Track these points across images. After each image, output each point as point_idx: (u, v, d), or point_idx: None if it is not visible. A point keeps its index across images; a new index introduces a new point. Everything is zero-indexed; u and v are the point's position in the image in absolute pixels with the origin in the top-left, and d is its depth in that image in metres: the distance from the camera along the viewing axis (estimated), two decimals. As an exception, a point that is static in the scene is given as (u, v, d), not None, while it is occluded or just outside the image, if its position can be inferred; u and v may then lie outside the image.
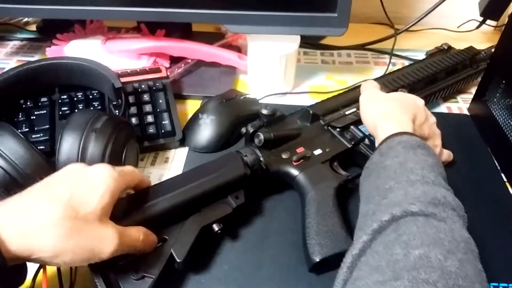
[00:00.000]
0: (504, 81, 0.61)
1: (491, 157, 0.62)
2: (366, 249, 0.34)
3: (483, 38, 0.93)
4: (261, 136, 0.51)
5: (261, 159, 0.51)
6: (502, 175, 0.59)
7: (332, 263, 0.44)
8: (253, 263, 0.47)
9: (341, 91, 0.65)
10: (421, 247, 0.31)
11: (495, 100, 0.64)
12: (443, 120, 0.69)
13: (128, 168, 0.43)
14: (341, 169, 0.54)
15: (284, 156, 0.52)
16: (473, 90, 0.71)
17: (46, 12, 0.67)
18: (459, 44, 0.77)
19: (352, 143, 0.55)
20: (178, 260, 0.42)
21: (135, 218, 0.41)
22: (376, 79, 0.63)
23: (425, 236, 0.32)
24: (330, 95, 0.63)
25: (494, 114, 0.63)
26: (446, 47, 0.74)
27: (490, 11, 0.76)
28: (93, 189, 0.36)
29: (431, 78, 0.67)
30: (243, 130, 0.54)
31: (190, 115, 0.65)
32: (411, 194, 0.37)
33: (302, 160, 0.52)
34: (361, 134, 0.55)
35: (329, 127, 0.57)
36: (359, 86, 0.61)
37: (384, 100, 0.52)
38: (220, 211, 0.46)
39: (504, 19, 0.84)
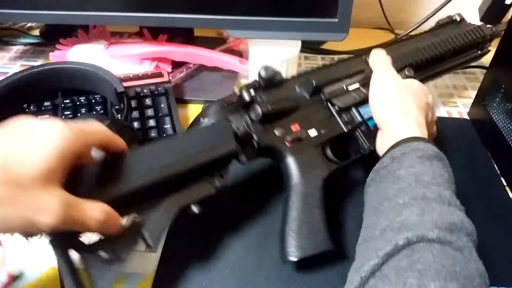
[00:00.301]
0: (503, 86, 0.61)
1: (491, 161, 0.62)
2: (375, 272, 0.32)
3: (483, 43, 0.93)
4: (259, 110, 0.46)
5: (254, 136, 0.46)
6: (502, 179, 0.59)
7: (310, 261, 0.43)
8: (254, 265, 0.47)
9: (345, 57, 0.57)
10: (437, 279, 0.30)
11: (495, 104, 0.64)
12: (443, 124, 0.69)
13: (94, 125, 0.37)
14: (331, 154, 0.51)
15: (277, 133, 0.47)
16: (473, 94, 0.71)
17: (50, 17, 0.67)
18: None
19: (349, 127, 0.51)
20: (151, 245, 0.38)
21: (104, 193, 0.36)
22: (384, 48, 0.57)
23: (440, 267, 0.31)
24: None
25: (494, 118, 0.63)
26: (458, 19, 0.66)
27: (489, 17, 0.77)
28: (36, 148, 0.30)
29: (439, 57, 0.62)
30: (236, 90, 0.48)
31: (191, 119, 0.65)
32: (427, 216, 0.35)
33: (295, 142, 0.48)
34: (360, 119, 0.51)
35: (328, 103, 0.51)
36: (365, 53, 0.56)
37: (400, 90, 0.48)
38: (202, 191, 0.42)
39: (504, 24, 0.85)
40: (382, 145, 0.47)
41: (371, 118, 0.51)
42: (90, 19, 0.68)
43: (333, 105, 0.51)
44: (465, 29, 0.65)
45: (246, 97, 0.47)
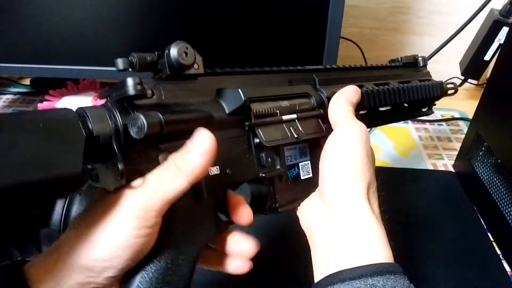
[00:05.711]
0: (486, 140, 0.62)
1: (477, 215, 0.62)
2: None
3: (466, 95, 0.96)
4: (142, 123, 0.26)
5: (118, 156, 0.26)
6: (489, 234, 0.58)
7: None
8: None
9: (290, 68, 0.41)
10: None
11: (479, 158, 0.64)
12: (429, 177, 0.70)
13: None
14: (227, 205, 0.36)
15: (161, 160, 0.29)
16: (458, 145, 0.72)
17: (40, 71, 0.68)
18: (444, 102, 0.78)
19: (264, 173, 0.36)
20: None
21: None
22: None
23: None
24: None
25: (478, 172, 0.63)
26: (422, 64, 0.56)
27: (470, 72, 0.79)
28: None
29: (396, 105, 0.51)
30: (119, 63, 0.29)
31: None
32: None
33: None
34: (280, 167, 0.37)
35: (250, 132, 0.35)
36: (315, 70, 0.42)
37: (366, 164, 0.35)
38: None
39: (485, 78, 0.87)
40: (321, 222, 0.35)
41: (294, 165, 0.39)
42: (80, 73, 0.69)
43: (254, 136, 0.36)
44: (427, 81, 0.55)
45: (131, 88, 0.27)
